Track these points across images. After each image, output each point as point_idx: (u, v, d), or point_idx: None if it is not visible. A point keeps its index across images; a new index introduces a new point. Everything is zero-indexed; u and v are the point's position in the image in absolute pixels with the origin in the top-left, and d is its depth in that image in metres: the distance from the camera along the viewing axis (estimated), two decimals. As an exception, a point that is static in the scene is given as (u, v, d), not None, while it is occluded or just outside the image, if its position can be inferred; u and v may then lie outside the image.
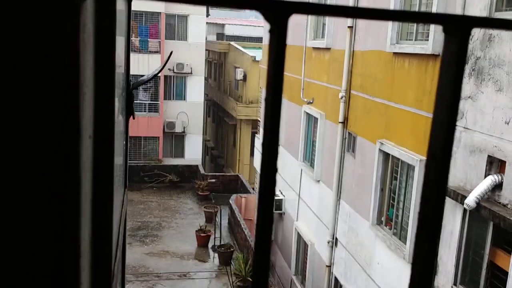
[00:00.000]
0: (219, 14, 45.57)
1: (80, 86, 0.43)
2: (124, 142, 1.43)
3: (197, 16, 26.42)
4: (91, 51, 0.50)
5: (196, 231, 18.03)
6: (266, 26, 0.41)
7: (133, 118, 1.44)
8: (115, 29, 0.65)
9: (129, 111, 1.35)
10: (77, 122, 0.43)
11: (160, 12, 25.34)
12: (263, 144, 0.41)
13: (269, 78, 0.42)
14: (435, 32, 7.51)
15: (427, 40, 7.83)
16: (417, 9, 8.30)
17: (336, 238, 11.19)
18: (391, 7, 8.73)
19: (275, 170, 0.41)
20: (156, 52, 25.30)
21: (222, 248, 16.81)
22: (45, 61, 0.41)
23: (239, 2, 0.38)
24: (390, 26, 8.83)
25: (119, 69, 1.20)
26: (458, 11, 6.97)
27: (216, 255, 16.93)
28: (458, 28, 0.42)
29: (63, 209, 0.46)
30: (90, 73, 0.49)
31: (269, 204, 0.45)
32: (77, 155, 0.44)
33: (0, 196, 0.45)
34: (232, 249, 16.91)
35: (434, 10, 7.52)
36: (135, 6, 24.56)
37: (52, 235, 0.46)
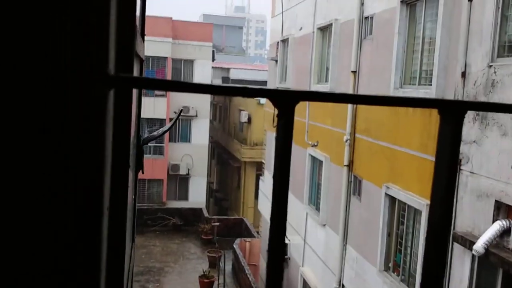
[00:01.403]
0: (225, 59, 46.49)
1: (105, 163, 0.47)
2: (133, 197, 1.45)
3: (203, 60, 26.95)
4: (111, 130, 0.54)
5: (199, 276, 17.71)
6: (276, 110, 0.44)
7: (143, 172, 1.47)
8: (131, 111, 0.69)
9: (138, 166, 1.38)
10: (101, 197, 0.46)
11: (166, 57, 25.89)
12: (271, 228, 0.43)
13: (277, 158, 0.45)
14: (438, 77, 7.62)
15: (430, 84, 7.94)
16: (419, 56, 8.46)
17: (343, 285, 10.96)
18: (394, 54, 8.91)
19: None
20: (162, 95, 25.67)
21: (226, 294, 16.46)
22: (78, 143, 0.45)
23: (251, 92, 0.42)
24: (393, 71, 8.98)
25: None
26: (460, 57, 7.10)
27: (220, 302, 16.56)
28: (453, 112, 0.45)
29: (83, 281, 0.48)
30: (109, 150, 0.52)
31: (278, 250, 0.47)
32: (99, 228, 0.47)
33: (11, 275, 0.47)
34: (236, 295, 16.55)
35: (436, 56, 7.67)
36: (142, 51, 25.04)
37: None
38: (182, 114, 26.43)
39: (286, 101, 0.41)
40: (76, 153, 0.45)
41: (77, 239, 0.46)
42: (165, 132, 2.65)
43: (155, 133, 2.39)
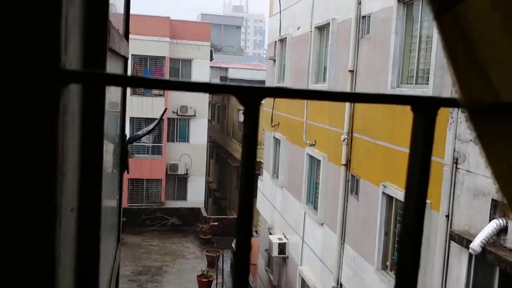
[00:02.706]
0: (223, 58, 46.47)
1: (59, 165, 0.45)
2: (118, 197, 1.44)
3: (200, 60, 26.93)
4: (76, 129, 0.53)
5: (198, 276, 17.71)
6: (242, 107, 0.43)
7: (127, 172, 1.46)
8: (104, 108, 0.68)
9: (123, 166, 1.37)
10: (53, 199, 0.45)
11: (164, 57, 25.86)
12: (237, 222, 0.42)
13: (243, 154, 0.44)
14: (435, 76, 7.61)
15: (427, 84, 7.93)
16: (416, 55, 8.46)
17: (341, 283, 10.97)
18: (391, 53, 8.90)
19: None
20: (160, 95, 25.63)
21: (225, 294, 16.48)
22: (20, 143, 0.44)
23: (217, 88, 0.41)
24: (390, 70, 8.98)
25: (114, 124, 1.22)
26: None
27: (219, 301, 16.56)
28: (425, 109, 0.44)
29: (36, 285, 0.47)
30: (74, 150, 0.51)
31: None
32: (52, 230, 0.46)
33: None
34: (234, 295, 16.53)
35: (433, 55, 7.66)
36: (139, 51, 25.05)
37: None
38: (180, 113, 26.40)
39: (250, 98, 0.40)
40: (24, 150, 0.44)
41: (26, 241, 0.45)
42: (149, 131, 2.65)
43: (140, 132, 2.39)
